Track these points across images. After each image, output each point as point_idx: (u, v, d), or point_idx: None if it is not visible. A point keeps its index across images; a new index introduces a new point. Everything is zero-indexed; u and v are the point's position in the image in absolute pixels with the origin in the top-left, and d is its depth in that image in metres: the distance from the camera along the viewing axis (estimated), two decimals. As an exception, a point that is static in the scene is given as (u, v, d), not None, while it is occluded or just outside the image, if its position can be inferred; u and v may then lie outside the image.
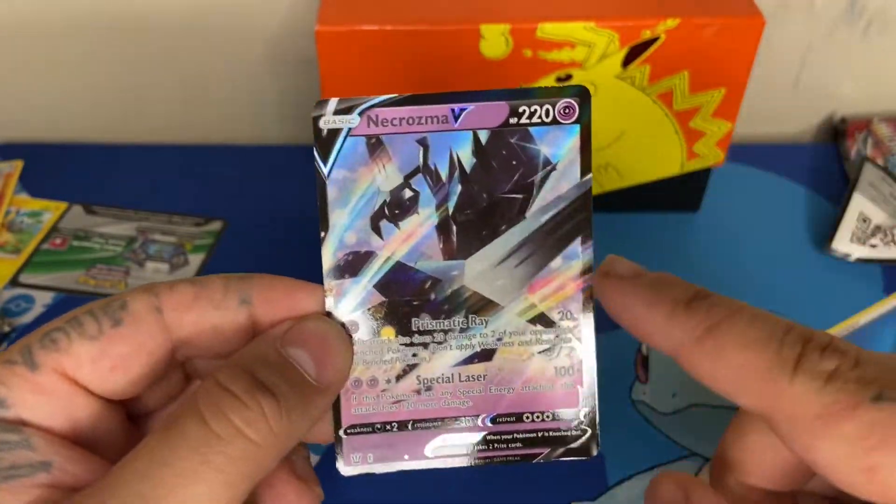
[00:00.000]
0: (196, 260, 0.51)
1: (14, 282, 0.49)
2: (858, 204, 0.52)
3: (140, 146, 0.60)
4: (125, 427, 0.24)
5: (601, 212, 0.53)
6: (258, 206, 0.55)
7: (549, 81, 0.45)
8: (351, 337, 0.24)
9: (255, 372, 0.22)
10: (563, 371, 0.25)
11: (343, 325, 0.25)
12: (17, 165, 0.57)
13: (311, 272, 0.53)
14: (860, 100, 0.62)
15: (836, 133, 0.61)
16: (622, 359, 0.45)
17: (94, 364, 0.22)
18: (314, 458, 0.40)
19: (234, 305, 0.24)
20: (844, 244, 0.50)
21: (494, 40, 0.43)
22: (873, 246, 0.50)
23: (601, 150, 0.49)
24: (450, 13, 0.44)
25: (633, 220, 0.54)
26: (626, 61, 0.45)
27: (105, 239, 0.52)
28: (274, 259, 0.51)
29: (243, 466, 0.20)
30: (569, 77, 0.45)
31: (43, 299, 0.48)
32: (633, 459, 0.41)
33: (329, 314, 0.25)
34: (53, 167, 0.58)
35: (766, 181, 0.57)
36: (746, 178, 0.57)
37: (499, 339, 0.25)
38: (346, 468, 0.25)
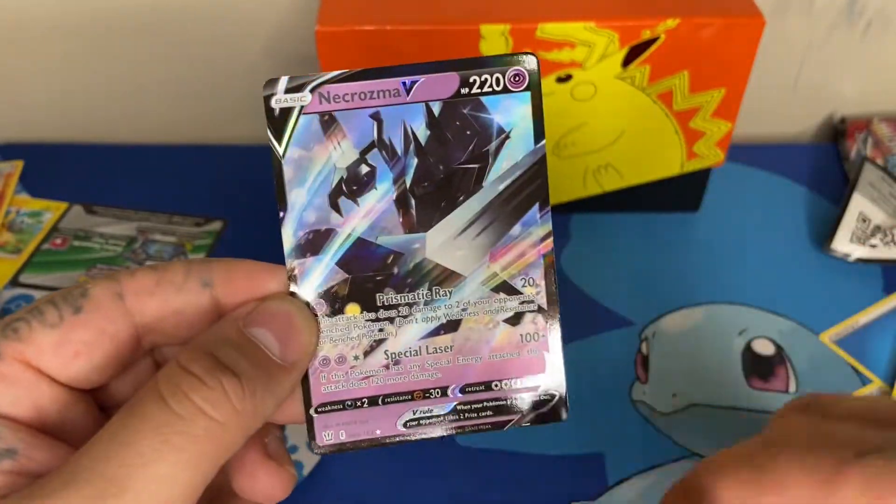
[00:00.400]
0: (196, 260, 0.51)
1: (14, 282, 0.49)
2: (858, 204, 0.52)
3: (140, 146, 0.60)
4: (95, 417, 0.24)
5: (602, 212, 0.54)
6: (258, 206, 0.55)
7: (549, 81, 0.45)
8: (316, 315, 0.24)
9: (216, 352, 0.22)
10: (529, 337, 0.25)
11: (307, 303, 0.25)
12: (17, 165, 0.57)
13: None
14: (860, 100, 0.62)
15: (836, 133, 0.61)
16: (622, 359, 0.45)
17: (56, 351, 0.23)
18: (314, 459, 0.40)
19: (195, 288, 0.24)
20: (844, 244, 0.50)
21: (494, 40, 0.43)
22: (873, 246, 0.50)
23: (601, 150, 0.49)
24: (450, 13, 0.44)
25: (633, 220, 0.54)
26: (626, 61, 0.45)
27: (105, 239, 0.52)
28: (274, 259, 0.51)
29: (206, 446, 0.20)
30: (569, 77, 0.45)
31: (43, 299, 0.48)
32: (632, 459, 0.41)
33: (293, 294, 0.25)
34: (54, 167, 0.58)
35: (766, 181, 0.57)
36: (746, 178, 0.57)
37: (463, 310, 0.25)
38: (318, 447, 0.25)
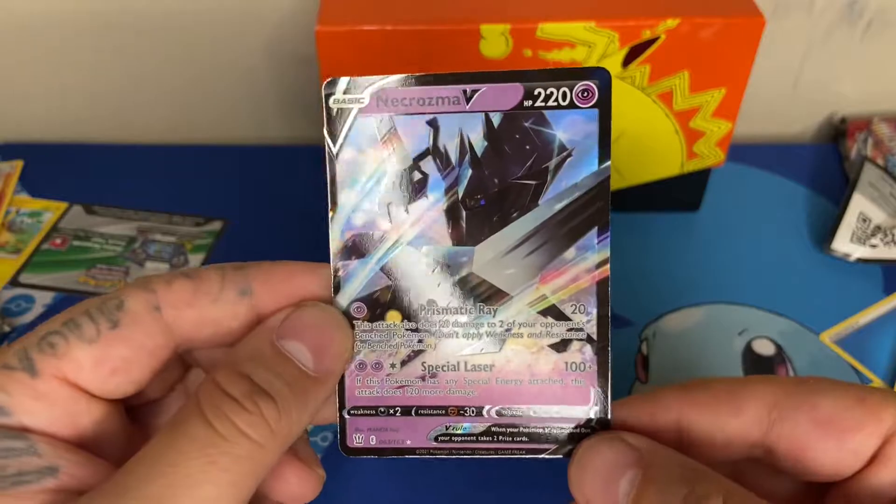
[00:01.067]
0: (196, 260, 0.51)
1: (14, 282, 0.49)
2: (858, 204, 0.52)
3: (140, 146, 0.60)
4: (124, 422, 0.24)
5: (601, 212, 0.53)
6: (258, 206, 0.55)
7: (549, 81, 0.45)
8: (351, 322, 0.24)
9: (252, 375, 0.22)
10: (575, 367, 0.24)
11: (344, 310, 0.24)
12: (17, 165, 0.57)
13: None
14: (860, 100, 0.62)
15: (836, 133, 0.61)
16: (622, 359, 0.45)
17: (95, 368, 0.22)
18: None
19: (232, 297, 0.23)
20: (844, 244, 0.50)
21: (494, 40, 0.43)
22: (873, 246, 0.50)
23: (601, 150, 0.49)
24: (450, 13, 0.44)
25: (633, 220, 0.54)
26: (626, 61, 0.45)
27: (105, 239, 0.52)
28: (274, 259, 0.51)
29: (248, 466, 0.21)
30: (569, 77, 0.45)
31: (43, 299, 0.48)
32: (633, 459, 0.41)
33: (334, 296, 0.24)
34: (54, 167, 0.58)
35: (766, 181, 0.57)
36: (746, 178, 0.57)
37: (507, 330, 0.24)
38: (348, 448, 0.25)
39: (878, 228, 0.51)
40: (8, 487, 0.20)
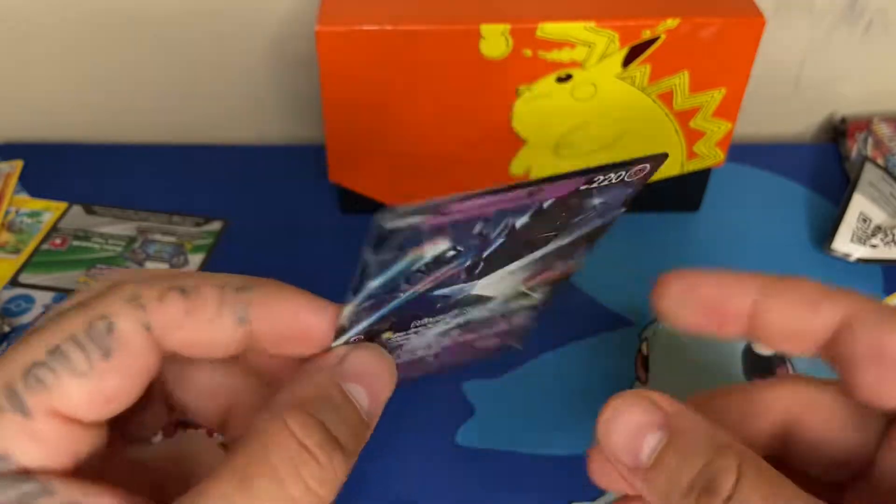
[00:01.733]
0: (196, 260, 0.51)
1: (14, 282, 0.49)
2: (859, 204, 0.52)
3: (140, 146, 0.60)
4: (108, 433, 0.23)
5: (601, 212, 0.54)
6: (258, 206, 0.55)
7: (549, 81, 0.45)
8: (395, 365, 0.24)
9: (325, 421, 0.21)
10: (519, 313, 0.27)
11: (386, 348, 0.24)
12: (17, 165, 0.57)
13: (311, 271, 0.53)
14: (860, 100, 0.62)
15: (837, 133, 0.61)
16: (622, 359, 0.45)
17: (89, 400, 0.21)
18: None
19: (229, 324, 0.22)
20: (845, 244, 0.50)
21: (494, 40, 0.43)
22: (874, 246, 0.50)
23: (601, 150, 0.49)
24: (450, 13, 0.44)
25: (633, 220, 0.54)
26: (627, 61, 0.45)
27: (105, 239, 0.52)
28: (274, 259, 0.51)
29: None
30: (569, 77, 0.45)
31: (43, 299, 0.48)
32: (633, 459, 0.41)
33: (335, 339, 0.24)
34: (53, 167, 0.58)
35: (766, 181, 0.57)
36: (746, 178, 0.57)
37: (480, 312, 0.26)
38: None
39: (878, 228, 0.51)
40: None
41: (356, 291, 0.22)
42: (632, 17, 0.43)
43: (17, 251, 0.51)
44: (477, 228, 0.22)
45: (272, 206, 0.55)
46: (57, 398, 0.20)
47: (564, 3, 0.44)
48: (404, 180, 0.51)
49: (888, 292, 0.49)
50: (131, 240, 0.52)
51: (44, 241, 0.52)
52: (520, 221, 0.22)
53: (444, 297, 0.24)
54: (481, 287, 0.25)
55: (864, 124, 0.59)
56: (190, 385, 0.25)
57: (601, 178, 0.22)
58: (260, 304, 0.23)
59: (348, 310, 0.23)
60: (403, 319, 0.24)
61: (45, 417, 0.20)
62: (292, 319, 0.23)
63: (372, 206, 0.52)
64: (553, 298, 0.26)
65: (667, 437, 0.22)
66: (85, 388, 0.21)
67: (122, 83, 0.60)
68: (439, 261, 0.22)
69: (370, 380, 0.23)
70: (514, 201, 0.21)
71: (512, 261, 0.24)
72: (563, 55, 0.44)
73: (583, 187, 0.22)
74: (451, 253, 0.22)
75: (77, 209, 0.54)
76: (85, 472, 0.22)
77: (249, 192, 0.56)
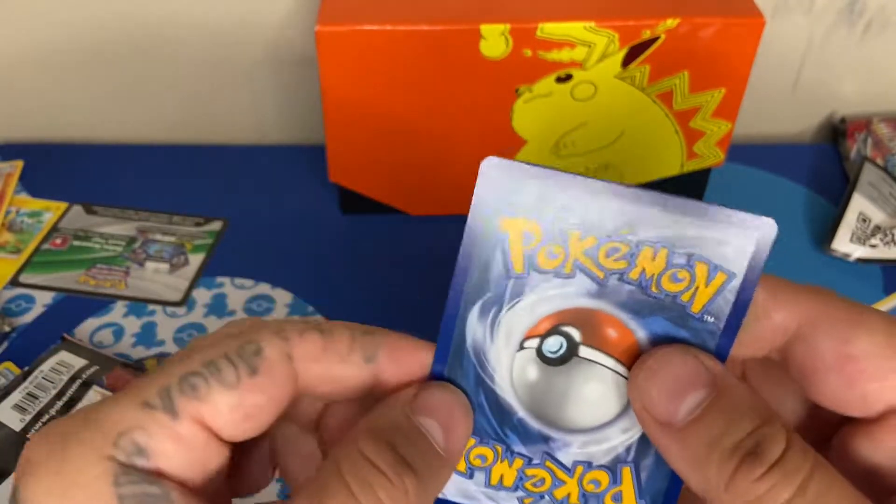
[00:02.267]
0: (196, 260, 0.51)
1: (14, 282, 0.49)
2: (858, 204, 0.52)
3: (140, 146, 0.60)
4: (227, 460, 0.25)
5: (601, 212, 0.54)
6: (258, 206, 0.55)
7: (549, 81, 0.45)
8: (472, 405, 0.24)
9: (395, 445, 0.22)
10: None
11: (465, 392, 0.24)
12: (17, 165, 0.57)
13: (311, 271, 0.53)
14: (860, 100, 0.62)
15: (836, 133, 0.61)
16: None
17: (231, 413, 0.22)
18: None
19: (359, 361, 0.24)
20: (844, 244, 0.50)
21: (494, 40, 0.43)
22: (873, 246, 0.50)
23: (601, 149, 0.49)
24: (450, 13, 0.44)
25: (633, 220, 0.54)
26: (626, 61, 0.45)
27: (105, 239, 0.52)
28: (275, 259, 0.51)
29: None
30: (569, 77, 0.45)
31: (43, 299, 0.48)
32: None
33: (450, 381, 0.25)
34: (54, 167, 0.58)
35: (765, 181, 0.57)
36: (746, 178, 0.57)
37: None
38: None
39: (877, 228, 0.51)
40: None
41: None
42: (632, 17, 0.43)
43: (17, 251, 0.51)
44: None
45: (272, 206, 0.55)
46: (205, 407, 0.22)
47: (564, 3, 0.45)
48: (404, 180, 0.51)
49: (888, 292, 0.49)
50: (131, 240, 0.52)
51: (44, 240, 0.52)
52: None
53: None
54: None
55: (864, 124, 0.59)
56: (297, 449, 0.27)
57: None
58: (385, 343, 0.24)
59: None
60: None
61: (190, 422, 0.22)
62: (413, 356, 0.24)
63: (372, 206, 0.52)
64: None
65: (711, 397, 0.22)
66: (231, 400, 0.22)
67: (122, 83, 0.61)
68: None
69: (442, 414, 0.23)
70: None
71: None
72: (563, 55, 0.44)
73: None
74: None
75: (77, 209, 0.54)
76: (210, 491, 0.23)
77: (249, 192, 0.56)
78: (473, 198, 0.23)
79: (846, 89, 0.61)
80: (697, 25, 0.43)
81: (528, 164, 0.23)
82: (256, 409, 0.22)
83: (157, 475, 0.21)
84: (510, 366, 0.24)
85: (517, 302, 0.24)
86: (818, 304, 0.23)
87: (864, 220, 0.51)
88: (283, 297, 0.48)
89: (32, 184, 0.56)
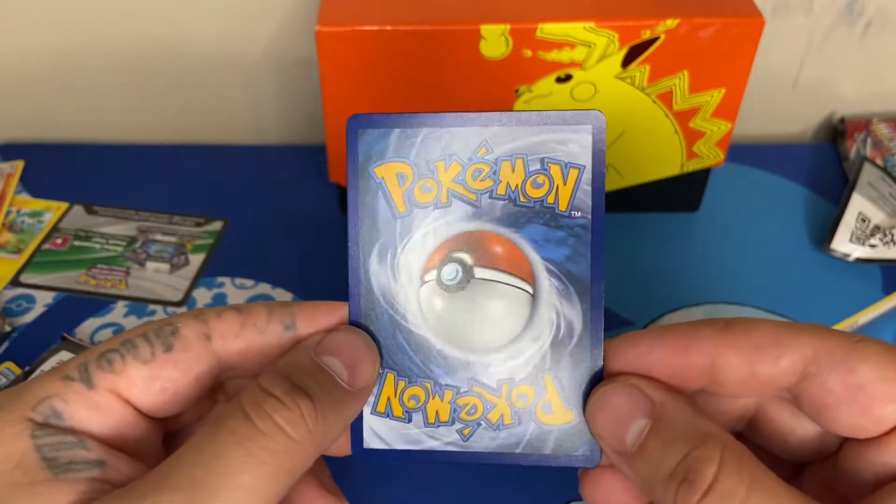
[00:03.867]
0: (197, 260, 0.51)
1: (15, 281, 0.49)
2: (857, 204, 0.52)
3: (141, 146, 0.61)
4: (160, 444, 0.26)
5: (601, 212, 0.54)
6: (258, 206, 0.55)
7: (549, 82, 0.45)
8: (378, 344, 0.26)
9: (292, 377, 0.24)
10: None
11: (371, 333, 0.26)
12: (18, 166, 0.58)
13: (311, 271, 0.53)
14: (859, 100, 0.62)
15: (836, 133, 0.61)
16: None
17: (146, 385, 0.24)
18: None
19: (278, 331, 0.25)
20: (844, 244, 0.51)
21: (494, 40, 0.44)
22: (872, 246, 0.50)
23: (601, 150, 0.49)
24: (450, 13, 0.44)
25: (632, 220, 0.54)
26: (626, 61, 0.45)
27: (106, 239, 0.52)
28: (275, 259, 0.51)
29: (284, 461, 0.22)
30: (569, 77, 0.45)
31: (44, 299, 0.48)
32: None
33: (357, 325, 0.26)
34: (54, 167, 0.58)
35: (765, 181, 0.57)
36: (746, 178, 0.57)
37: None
38: (363, 448, 0.27)
39: (877, 228, 0.51)
40: (59, 473, 0.22)
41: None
42: (631, 18, 0.43)
43: (18, 251, 0.51)
44: None
45: (272, 206, 0.55)
46: (120, 379, 0.24)
47: (564, 3, 0.45)
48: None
49: (887, 292, 0.49)
50: (132, 240, 0.52)
51: (45, 240, 0.52)
52: None
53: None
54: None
55: (863, 124, 0.59)
56: None
57: None
58: (301, 310, 0.26)
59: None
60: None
61: (105, 393, 0.24)
62: (330, 315, 0.26)
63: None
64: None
65: (649, 426, 0.23)
66: (145, 373, 0.24)
67: (123, 83, 0.61)
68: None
69: (346, 352, 0.25)
70: None
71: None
72: (563, 55, 0.44)
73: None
74: None
75: (78, 209, 0.54)
76: (133, 456, 0.24)
77: (249, 192, 0.56)
78: (347, 155, 0.25)
79: (846, 89, 0.61)
80: (697, 25, 0.44)
81: (387, 114, 0.25)
82: (171, 383, 0.25)
83: (72, 431, 0.23)
84: (417, 302, 0.26)
85: (408, 240, 0.26)
86: (815, 342, 0.23)
87: (864, 220, 0.51)
88: (283, 297, 0.48)
89: (33, 184, 0.57)
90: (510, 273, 0.25)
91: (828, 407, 0.23)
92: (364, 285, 0.26)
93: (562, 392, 0.26)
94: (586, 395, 0.25)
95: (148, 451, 0.25)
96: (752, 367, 0.24)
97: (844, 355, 0.23)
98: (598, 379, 0.25)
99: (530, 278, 0.25)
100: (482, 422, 0.26)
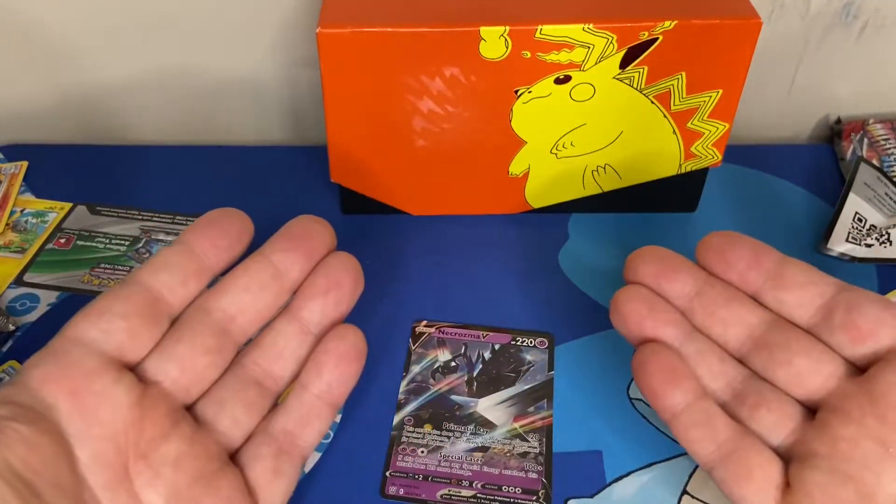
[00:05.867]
0: (199, 259, 0.51)
1: (19, 281, 0.50)
2: (854, 204, 0.53)
3: (143, 147, 0.61)
4: None
5: (599, 212, 0.54)
6: (258, 206, 0.55)
7: (548, 83, 0.46)
8: (403, 426, 0.42)
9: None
10: (530, 466, 0.40)
11: (400, 421, 0.42)
12: (21, 166, 0.58)
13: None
14: (855, 101, 0.62)
15: (832, 134, 0.62)
16: (621, 357, 0.46)
17: None
18: (315, 456, 0.41)
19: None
20: (840, 244, 0.51)
21: (494, 42, 0.44)
22: (869, 246, 0.51)
23: (600, 150, 0.50)
24: (450, 15, 0.44)
25: (630, 220, 0.54)
26: (624, 62, 0.45)
27: (109, 238, 0.52)
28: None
29: None
30: (568, 78, 0.46)
31: (48, 298, 0.49)
32: (631, 457, 0.41)
33: (396, 412, 0.42)
34: (58, 168, 0.58)
35: (762, 182, 0.58)
36: (743, 178, 0.58)
37: (493, 442, 0.41)
38: (387, 494, 0.39)
39: (873, 228, 0.51)
40: None
41: (406, 371, 0.43)
42: (629, 19, 0.44)
43: (22, 251, 0.52)
44: (462, 349, 0.45)
45: (272, 206, 0.55)
46: None
47: (563, 4, 0.45)
48: (405, 181, 0.51)
49: (883, 291, 0.49)
50: (135, 239, 0.52)
51: (48, 240, 0.52)
52: (486, 353, 0.44)
53: (459, 405, 0.42)
54: (482, 408, 0.42)
55: (859, 125, 0.60)
56: None
57: (521, 339, 0.45)
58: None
59: (403, 384, 0.43)
60: (436, 416, 0.42)
61: None
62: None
63: (373, 207, 0.53)
64: (552, 449, 0.41)
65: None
66: None
67: (125, 84, 0.61)
68: (447, 367, 0.44)
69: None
70: (475, 338, 0.45)
71: (495, 389, 0.43)
72: (562, 57, 0.45)
73: (513, 342, 0.45)
74: (454, 364, 0.44)
75: (81, 209, 0.55)
76: None
77: (249, 192, 0.57)
78: None
79: (842, 90, 0.62)
80: (694, 27, 0.44)
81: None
82: None
83: None
84: None
85: None
86: (828, 286, 0.35)
87: (860, 220, 0.52)
88: (284, 296, 0.49)
89: (37, 184, 0.57)
90: None
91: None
92: None
93: None
94: None
95: None
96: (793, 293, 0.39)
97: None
98: None
99: None
100: None
